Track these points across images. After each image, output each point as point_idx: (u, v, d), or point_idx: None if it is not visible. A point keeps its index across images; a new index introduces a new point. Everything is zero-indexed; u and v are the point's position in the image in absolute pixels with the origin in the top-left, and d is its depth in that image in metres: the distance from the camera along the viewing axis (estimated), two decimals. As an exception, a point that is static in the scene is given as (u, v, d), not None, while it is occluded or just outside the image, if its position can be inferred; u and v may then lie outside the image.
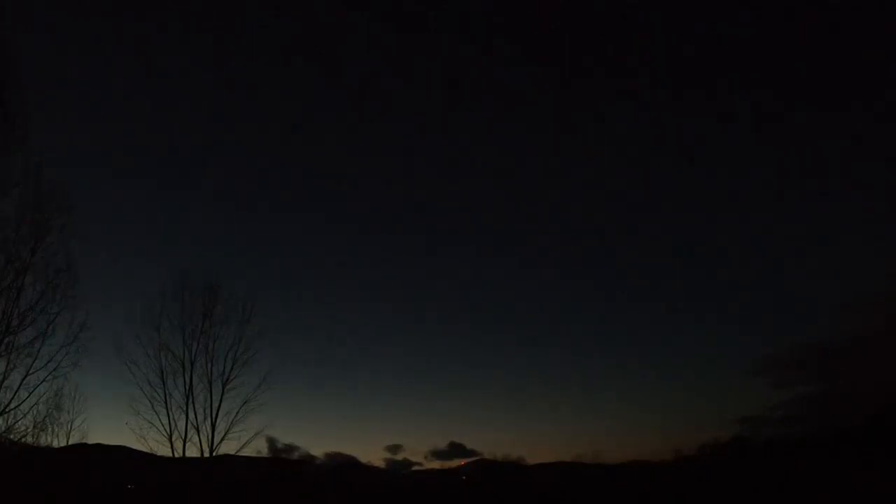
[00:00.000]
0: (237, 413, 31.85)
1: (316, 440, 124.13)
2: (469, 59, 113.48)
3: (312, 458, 75.55)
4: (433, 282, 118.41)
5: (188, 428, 31.32)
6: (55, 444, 33.37)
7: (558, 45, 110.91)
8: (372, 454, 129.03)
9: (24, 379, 19.65)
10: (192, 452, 31.37)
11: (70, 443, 34.54)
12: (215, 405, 31.97)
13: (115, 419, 44.15)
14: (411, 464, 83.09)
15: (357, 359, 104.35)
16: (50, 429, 31.55)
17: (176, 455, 31.20)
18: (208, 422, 31.74)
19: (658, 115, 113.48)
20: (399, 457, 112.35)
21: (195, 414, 31.61)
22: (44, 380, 20.27)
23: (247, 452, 34.93)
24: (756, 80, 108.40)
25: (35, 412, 21.63)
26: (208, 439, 31.68)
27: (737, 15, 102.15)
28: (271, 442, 69.33)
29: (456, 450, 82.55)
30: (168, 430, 30.99)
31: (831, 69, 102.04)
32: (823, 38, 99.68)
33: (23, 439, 23.49)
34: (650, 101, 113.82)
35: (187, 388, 31.55)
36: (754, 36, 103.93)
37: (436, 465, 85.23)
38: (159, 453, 31.76)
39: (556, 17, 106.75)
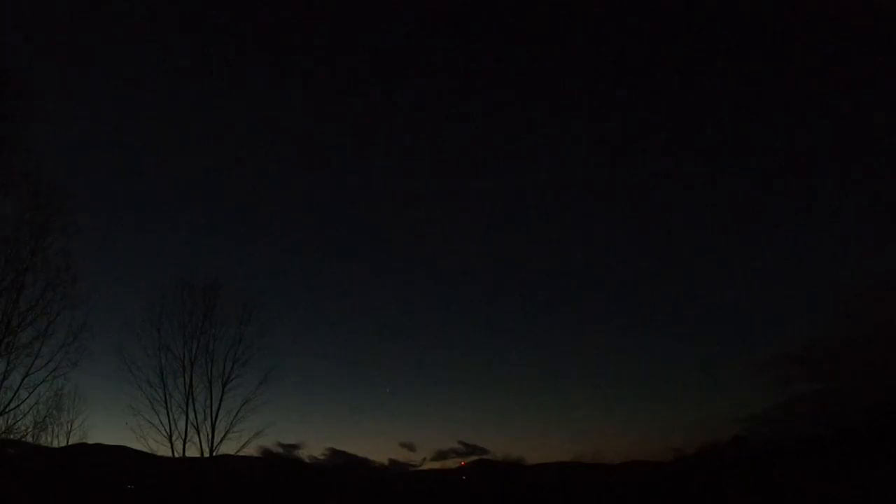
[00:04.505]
0: (237, 413, 31.84)
1: (319, 440, 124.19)
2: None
3: (313, 457, 75.78)
4: (433, 283, 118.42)
5: (188, 428, 31.30)
6: (55, 444, 33.47)
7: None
8: (376, 454, 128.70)
9: (24, 379, 19.62)
10: (192, 452, 31.35)
11: (70, 443, 34.63)
12: (215, 405, 31.93)
13: (115, 419, 44.06)
14: (416, 463, 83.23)
15: (359, 358, 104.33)
16: (50, 429, 31.73)
17: (176, 455, 31.18)
18: (208, 422, 31.70)
19: (654, 115, 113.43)
20: (410, 455, 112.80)
21: (195, 414, 31.56)
22: (44, 380, 20.22)
23: (247, 452, 34.92)
24: (753, 80, 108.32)
25: (35, 412, 21.68)
26: (208, 439, 31.67)
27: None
28: (273, 441, 69.51)
29: (469, 450, 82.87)
30: (168, 430, 30.92)
31: (829, 68, 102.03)
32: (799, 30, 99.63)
33: (23, 439, 23.51)
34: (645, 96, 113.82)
35: (187, 388, 31.49)
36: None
37: (436, 465, 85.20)
38: (159, 453, 31.75)
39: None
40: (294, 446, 69.87)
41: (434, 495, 66.50)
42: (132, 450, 45.38)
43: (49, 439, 32.59)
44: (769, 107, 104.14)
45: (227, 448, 32.18)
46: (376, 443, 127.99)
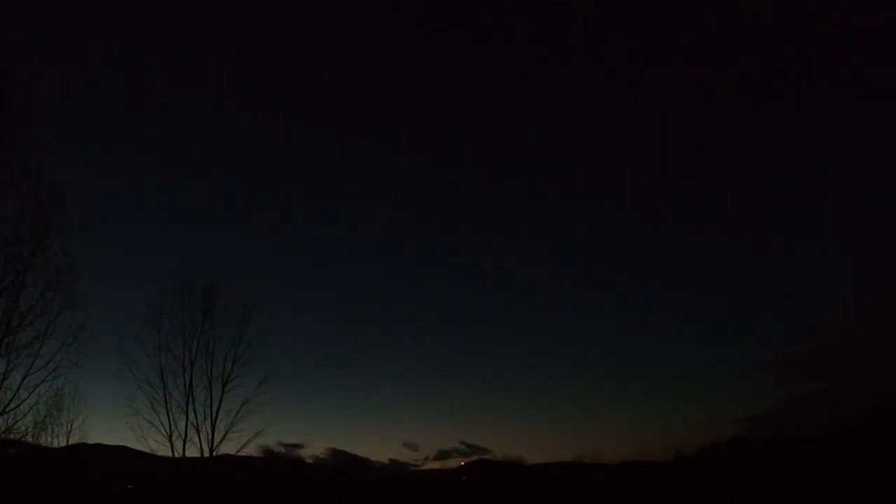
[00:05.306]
0: (237, 413, 31.88)
1: (321, 439, 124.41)
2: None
3: (313, 457, 75.72)
4: (435, 284, 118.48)
5: (188, 428, 31.33)
6: (55, 444, 33.41)
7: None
8: (378, 454, 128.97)
9: (24, 379, 19.68)
10: (192, 452, 31.39)
11: (70, 443, 34.53)
12: (215, 405, 31.99)
13: (115, 419, 44.13)
14: (417, 463, 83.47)
15: (361, 358, 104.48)
16: (50, 429, 31.64)
17: (176, 455, 31.20)
18: (208, 422, 31.75)
19: (657, 117, 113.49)
20: (412, 455, 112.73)
21: (195, 414, 31.62)
22: (44, 380, 20.29)
23: (248, 452, 34.93)
24: (750, 81, 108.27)
25: (35, 412, 21.70)
26: (208, 439, 31.70)
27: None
28: (274, 441, 69.40)
29: (471, 450, 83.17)
30: (168, 430, 30.99)
31: (828, 69, 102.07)
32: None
33: (23, 439, 23.50)
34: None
35: (187, 388, 31.53)
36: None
37: (437, 464, 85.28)
38: (159, 453, 31.79)
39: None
40: (296, 446, 69.97)
41: (434, 495, 66.47)
42: (132, 450, 45.37)
43: (49, 439, 32.52)
44: (769, 106, 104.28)
45: (227, 448, 32.25)
46: (378, 443, 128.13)
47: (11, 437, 21.18)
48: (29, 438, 23.75)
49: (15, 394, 19.60)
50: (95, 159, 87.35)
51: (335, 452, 77.26)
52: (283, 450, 65.60)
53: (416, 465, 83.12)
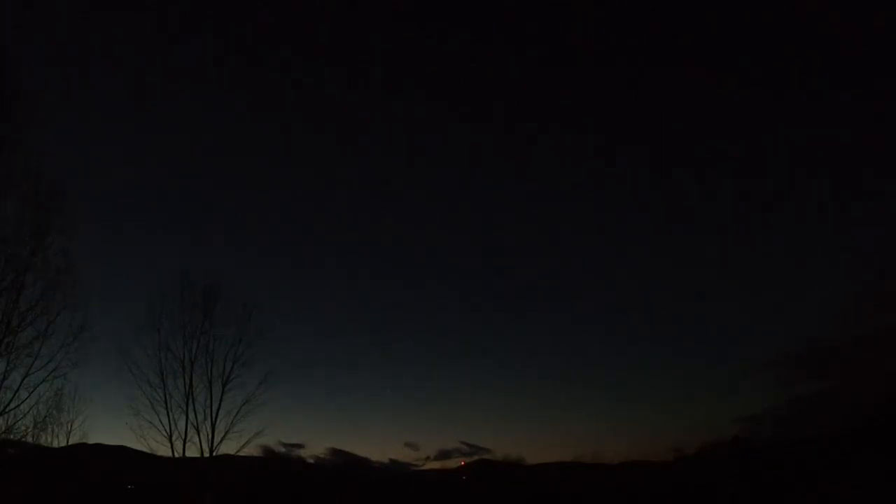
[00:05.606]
0: (237, 413, 31.91)
1: (321, 439, 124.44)
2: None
3: (313, 457, 75.80)
4: (435, 284, 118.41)
5: (188, 428, 31.35)
6: (55, 444, 33.44)
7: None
8: (379, 454, 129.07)
9: (24, 379, 19.63)
10: (192, 452, 31.41)
11: (70, 443, 34.58)
12: (215, 405, 32.01)
13: (115, 419, 44.18)
14: (418, 463, 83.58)
15: (361, 358, 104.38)
16: (50, 429, 31.65)
17: (176, 455, 31.23)
18: (208, 422, 31.77)
19: (655, 118, 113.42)
20: (413, 455, 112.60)
21: (195, 414, 31.64)
22: (44, 380, 20.23)
23: (249, 452, 34.95)
24: (750, 81, 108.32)
25: (35, 412, 21.66)
26: (208, 439, 31.72)
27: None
28: (275, 441, 69.42)
29: (472, 450, 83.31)
30: (168, 430, 31.01)
31: (830, 69, 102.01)
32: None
33: (23, 439, 23.52)
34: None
35: (187, 388, 31.54)
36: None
37: (437, 464, 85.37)
38: (159, 453, 31.82)
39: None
40: (296, 446, 70.08)
41: (434, 495, 66.54)
42: (132, 450, 45.50)
43: (49, 439, 32.53)
44: (769, 106, 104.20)
45: (227, 448, 32.29)
46: (379, 443, 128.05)
47: (11, 437, 21.16)
48: (29, 438, 23.76)
49: (15, 394, 19.59)
50: (96, 159, 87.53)
51: (335, 452, 77.33)
52: (283, 450, 65.76)
53: (416, 465, 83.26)
